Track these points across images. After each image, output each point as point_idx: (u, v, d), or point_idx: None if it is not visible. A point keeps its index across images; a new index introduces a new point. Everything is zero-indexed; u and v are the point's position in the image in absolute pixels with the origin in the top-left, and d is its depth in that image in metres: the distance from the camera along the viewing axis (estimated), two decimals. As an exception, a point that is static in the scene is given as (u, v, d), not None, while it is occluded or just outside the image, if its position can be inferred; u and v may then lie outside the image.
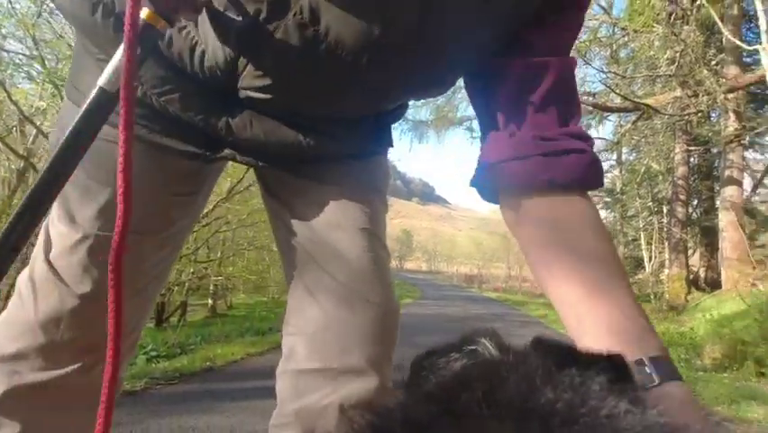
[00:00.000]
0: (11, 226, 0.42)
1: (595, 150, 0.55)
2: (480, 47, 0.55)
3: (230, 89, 0.57)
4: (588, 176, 0.52)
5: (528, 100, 0.53)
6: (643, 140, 9.80)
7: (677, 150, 9.35)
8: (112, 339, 0.39)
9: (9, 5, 4.04)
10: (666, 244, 9.84)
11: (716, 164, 9.97)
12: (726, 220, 7.27)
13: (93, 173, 0.60)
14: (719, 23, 5.81)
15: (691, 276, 9.21)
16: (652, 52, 7.08)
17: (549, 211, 0.51)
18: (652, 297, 9.12)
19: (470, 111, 9.69)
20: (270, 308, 8.26)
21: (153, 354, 3.56)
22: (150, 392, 2.66)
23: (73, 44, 0.77)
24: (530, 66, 0.53)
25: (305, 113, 0.62)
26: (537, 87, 0.53)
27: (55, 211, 0.63)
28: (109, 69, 0.45)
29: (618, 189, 11.88)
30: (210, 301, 8.50)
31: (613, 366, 0.21)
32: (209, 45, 0.54)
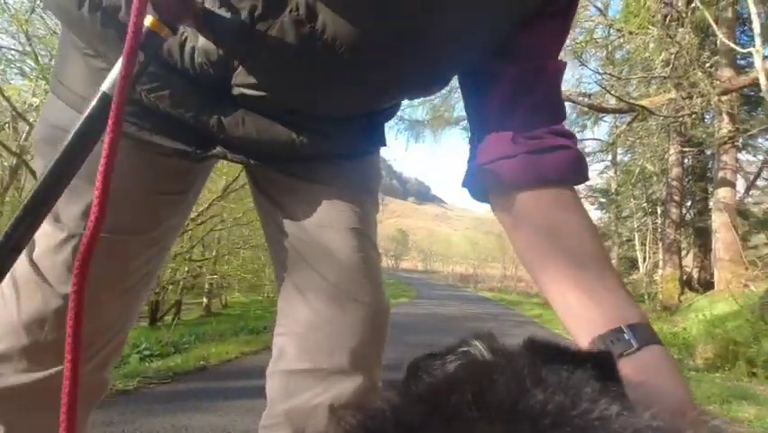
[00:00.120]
0: (12, 227, 0.42)
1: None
2: (478, 46, 0.55)
3: (222, 86, 0.57)
4: (574, 172, 0.53)
5: (520, 102, 0.54)
6: (637, 141, 9.85)
7: (671, 151, 9.41)
8: (70, 351, 0.38)
9: (2, 1, 4.00)
10: (660, 244, 9.91)
11: (709, 166, 10.03)
12: (719, 221, 7.33)
13: (80, 172, 0.59)
14: (714, 26, 5.86)
15: (685, 277, 9.27)
16: (647, 54, 7.12)
17: (537, 208, 0.52)
18: (645, 297, 9.18)
19: (467, 111, 9.71)
20: (266, 307, 8.23)
21: (147, 353, 3.54)
22: (144, 391, 2.65)
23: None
24: (526, 69, 0.54)
25: (299, 111, 0.61)
26: (531, 90, 0.54)
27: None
28: (113, 73, 0.44)
29: (613, 190, 11.95)
30: (205, 300, 8.46)
31: (599, 365, 0.21)
32: (199, 41, 0.53)
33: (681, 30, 6.29)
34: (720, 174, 7.55)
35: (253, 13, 0.49)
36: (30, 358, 0.59)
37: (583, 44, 7.18)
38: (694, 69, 6.15)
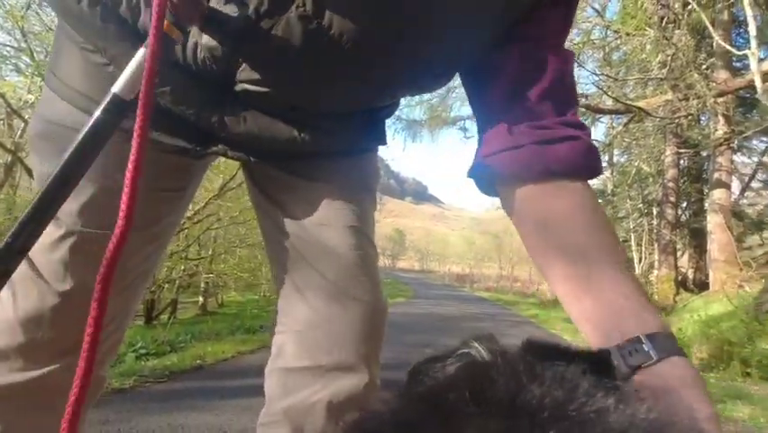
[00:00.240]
0: (19, 229, 0.41)
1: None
2: (482, 40, 0.54)
3: (224, 82, 0.56)
4: (583, 163, 0.50)
5: (525, 92, 0.52)
6: (634, 142, 9.90)
7: (667, 152, 9.47)
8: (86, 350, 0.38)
9: (-3, -3, 3.97)
10: (656, 245, 9.95)
11: (705, 167, 10.10)
12: (714, 222, 7.37)
13: None
14: (710, 28, 5.89)
15: (680, 277, 9.32)
16: (644, 55, 7.15)
17: (545, 200, 0.50)
18: (641, 297, 9.19)
19: (464, 111, 9.73)
20: (262, 306, 8.21)
21: (143, 351, 3.52)
22: (139, 390, 2.64)
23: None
24: (528, 59, 0.53)
25: (301, 107, 0.61)
26: (534, 80, 0.52)
27: None
28: (125, 75, 0.44)
29: (609, 191, 11.99)
30: (201, 299, 8.43)
31: (596, 362, 0.21)
32: (203, 38, 0.53)
33: (677, 32, 6.32)
34: (716, 175, 7.60)
35: (259, 10, 0.49)
36: (26, 357, 0.59)
37: (580, 45, 7.19)
38: (690, 70, 6.17)
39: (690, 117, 6.96)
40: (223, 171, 5.39)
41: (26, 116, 4.33)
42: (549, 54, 0.53)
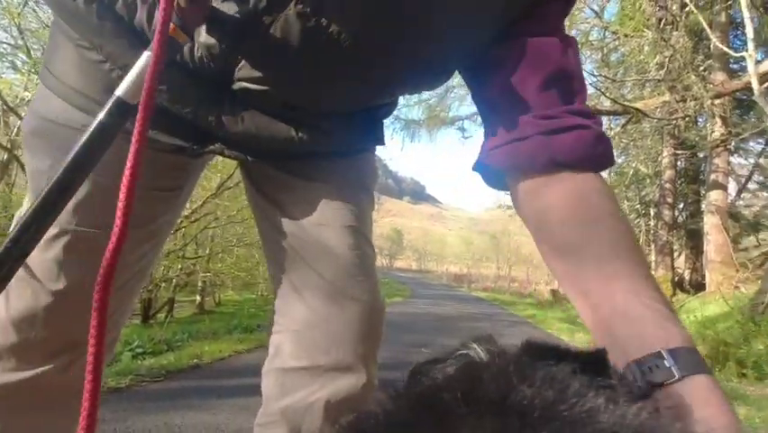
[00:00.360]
0: (19, 234, 0.41)
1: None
2: (482, 39, 0.54)
3: (222, 80, 0.56)
4: (592, 153, 0.47)
5: (528, 83, 0.50)
6: (631, 143, 9.92)
7: (665, 153, 9.50)
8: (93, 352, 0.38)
9: (-6, -6, 3.95)
10: (653, 246, 9.98)
11: (702, 168, 10.14)
12: (710, 223, 7.40)
13: None
14: (708, 30, 5.90)
15: (677, 278, 9.36)
16: (641, 57, 7.17)
17: (553, 196, 0.47)
18: (638, 298, 9.22)
19: (462, 111, 9.75)
20: (259, 305, 8.20)
21: (139, 350, 3.51)
22: (136, 389, 2.63)
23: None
24: (529, 51, 0.51)
25: (300, 106, 0.61)
26: (537, 71, 0.50)
27: (28, 204, 0.61)
28: (129, 78, 0.44)
29: (607, 192, 12.00)
30: (198, 298, 8.42)
31: (592, 361, 0.21)
32: (201, 35, 0.53)
33: (675, 33, 6.34)
34: (712, 177, 7.63)
35: (257, 7, 0.49)
36: (18, 357, 0.59)
37: (579, 46, 7.21)
38: (688, 72, 6.20)
39: (687, 119, 6.98)
40: (220, 170, 5.37)
41: (22, 114, 4.30)
42: (551, 44, 0.51)
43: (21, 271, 0.58)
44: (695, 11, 5.83)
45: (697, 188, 10.49)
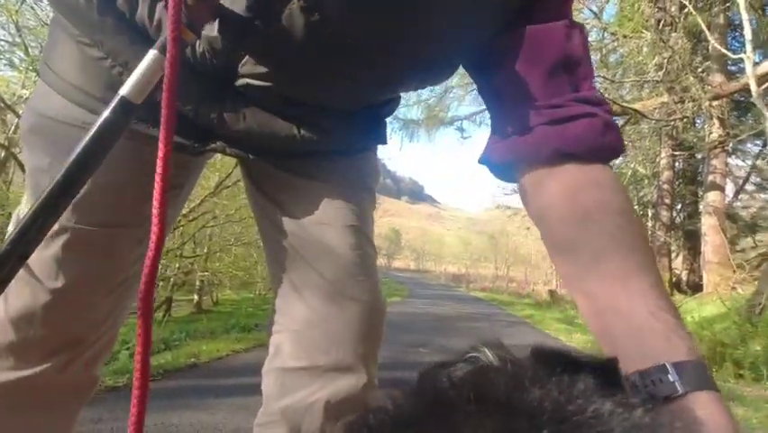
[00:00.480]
0: (20, 234, 0.41)
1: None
2: (482, 38, 0.53)
3: (224, 77, 0.56)
4: (599, 143, 0.45)
5: (532, 72, 0.49)
6: (630, 144, 9.94)
7: (663, 154, 9.53)
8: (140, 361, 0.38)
9: (-8, -9, 3.94)
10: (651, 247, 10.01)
11: (700, 169, 10.17)
12: (708, 225, 7.43)
13: None
14: (706, 31, 5.92)
15: (674, 279, 9.39)
16: (640, 58, 7.19)
17: (559, 188, 0.45)
18: (635, 299, 9.25)
19: (461, 111, 9.75)
20: (257, 304, 8.19)
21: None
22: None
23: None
24: (530, 37, 0.50)
25: (302, 103, 0.60)
26: (540, 57, 0.49)
27: (27, 202, 0.61)
28: (134, 78, 0.43)
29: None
30: (196, 297, 8.40)
31: (604, 370, 0.21)
32: (203, 29, 0.52)
33: (673, 35, 6.36)
34: (710, 178, 7.66)
35: (261, 1, 0.49)
36: (17, 355, 0.58)
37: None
38: (686, 73, 6.22)
39: (685, 120, 7.01)
40: (219, 169, 5.37)
41: (20, 112, 4.29)
42: (554, 30, 0.50)
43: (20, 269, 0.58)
44: (694, 12, 5.85)
45: (694, 190, 10.52)
